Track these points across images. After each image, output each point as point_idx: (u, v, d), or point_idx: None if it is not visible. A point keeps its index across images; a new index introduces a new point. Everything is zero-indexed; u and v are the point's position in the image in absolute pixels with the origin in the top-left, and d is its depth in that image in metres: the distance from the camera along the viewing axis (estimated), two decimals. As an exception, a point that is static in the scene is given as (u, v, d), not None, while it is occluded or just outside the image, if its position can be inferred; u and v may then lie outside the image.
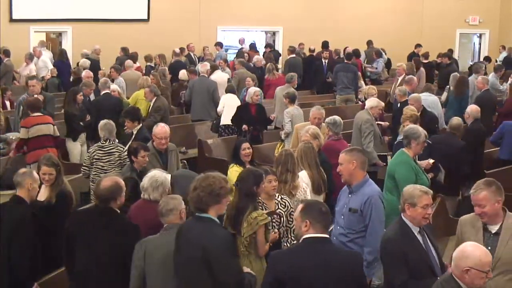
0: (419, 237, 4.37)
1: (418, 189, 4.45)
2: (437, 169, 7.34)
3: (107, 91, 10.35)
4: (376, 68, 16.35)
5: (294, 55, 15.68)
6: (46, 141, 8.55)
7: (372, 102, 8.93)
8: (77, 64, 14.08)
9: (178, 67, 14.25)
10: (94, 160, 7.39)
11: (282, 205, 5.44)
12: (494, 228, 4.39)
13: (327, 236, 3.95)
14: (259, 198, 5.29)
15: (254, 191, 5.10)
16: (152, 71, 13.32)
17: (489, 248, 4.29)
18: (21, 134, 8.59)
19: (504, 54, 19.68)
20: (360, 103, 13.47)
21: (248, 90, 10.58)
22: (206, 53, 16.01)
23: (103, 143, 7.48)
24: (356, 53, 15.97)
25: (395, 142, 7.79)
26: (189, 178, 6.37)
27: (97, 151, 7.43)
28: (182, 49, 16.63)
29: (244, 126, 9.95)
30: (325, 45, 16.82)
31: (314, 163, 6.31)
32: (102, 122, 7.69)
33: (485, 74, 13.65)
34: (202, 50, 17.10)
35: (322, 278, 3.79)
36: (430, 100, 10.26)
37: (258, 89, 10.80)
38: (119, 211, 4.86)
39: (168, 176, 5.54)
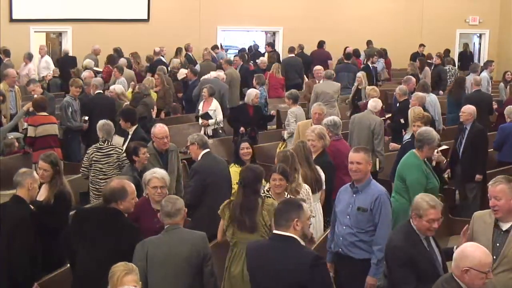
0: (425, 243, 4.38)
1: (426, 201, 4.40)
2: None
3: (100, 90, 10.30)
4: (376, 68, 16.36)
5: (293, 55, 15.67)
6: (52, 141, 8.65)
7: (376, 103, 8.99)
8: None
9: (158, 66, 14.11)
10: (93, 162, 7.35)
11: None
12: (505, 226, 4.41)
13: (283, 233, 4.01)
14: (270, 195, 5.41)
15: (258, 187, 5.21)
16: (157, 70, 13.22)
17: (498, 244, 4.35)
18: (29, 132, 8.61)
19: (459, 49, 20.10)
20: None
21: (248, 92, 10.58)
22: (205, 53, 15.96)
23: (101, 145, 7.43)
24: (355, 53, 15.95)
25: (404, 142, 7.74)
26: (211, 158, 6.57)
27: (95, 153, 7.38)
28: (179, 49, 16.62)
29: (242, 129, 9.93)
30: (321, 44, 16.82)
31: (305, 162, 6.30)
32: (100, 123, 7.63)
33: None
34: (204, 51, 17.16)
35: (268, 277, 3.98)
36: (429, 100, 10.26)
37: (258, 91, 10.75)
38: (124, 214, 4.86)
39: (158, 174, 5.56)
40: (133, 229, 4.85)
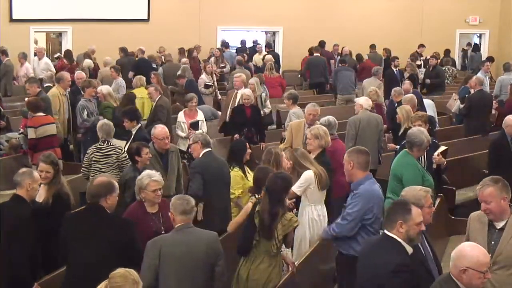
0: (420, 245, 4.35)
1: (420, 190, 4.49)
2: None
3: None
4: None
5: (317, 54, 15.66)
6: (54, 141, 8.62)
7: (369, 100, 9.06)
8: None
9: (142, 65, 14.12)
10: (92, 162, 7.35)
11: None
12: (499, 224, 4.43)
13: (387, 233, 4.09)
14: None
15: (283, 197, 5.15)
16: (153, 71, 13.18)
17: (493, 242, 4.38)
18: (29, 134, 8.52)
19: None
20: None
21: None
22: (166, 55, 15.79)
23: (101, 145, 7.42)
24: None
25: (402, 143, 7.75)
26: (211, 158, 6.57)
27: (95, 153, 7.38)
28: (182, 49, 16.59)
29: (236, 136, 9.75)
30: (321, 44, 16.82)
31: (314, 161, 6.42)
32: (100, 123, 7.66)
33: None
34: (209, 51, 17.15)
35: (362, 272, 4.14)
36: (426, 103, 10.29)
37: (248, 90, 10.51)
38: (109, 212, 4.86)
39: (155, 176, 5.53)
40: (129, 222, 4.89)
